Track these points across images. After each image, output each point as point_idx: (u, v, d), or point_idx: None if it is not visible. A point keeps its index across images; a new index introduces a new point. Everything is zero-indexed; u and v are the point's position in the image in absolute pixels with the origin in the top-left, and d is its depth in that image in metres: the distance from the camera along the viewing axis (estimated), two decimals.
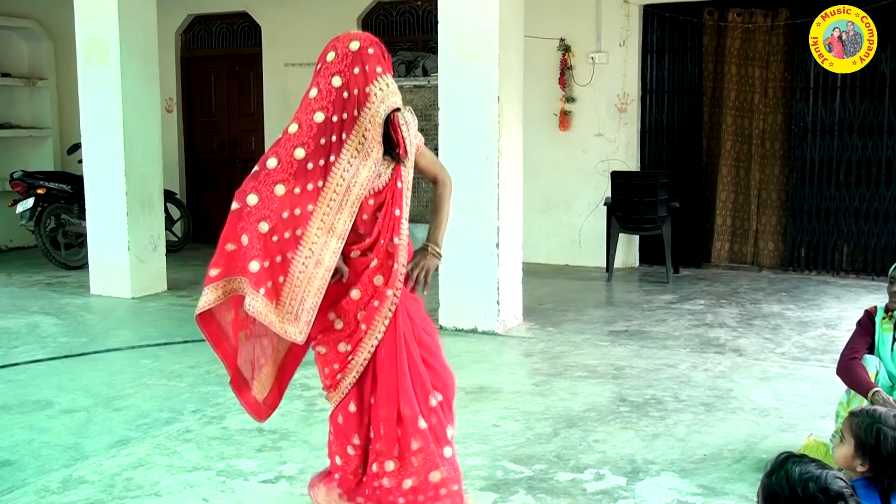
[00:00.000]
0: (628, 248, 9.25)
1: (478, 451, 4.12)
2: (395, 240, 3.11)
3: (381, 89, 2.98)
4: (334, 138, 2.97)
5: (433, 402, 3.13)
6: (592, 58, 9.12)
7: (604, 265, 8.76)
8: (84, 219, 8.30)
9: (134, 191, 7.79)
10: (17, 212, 9.07)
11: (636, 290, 8.15)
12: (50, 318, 7.04)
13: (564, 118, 9.27)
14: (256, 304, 2.94)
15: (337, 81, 2.96)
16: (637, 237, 9.13)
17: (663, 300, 7.60)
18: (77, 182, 8.79)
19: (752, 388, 5.11)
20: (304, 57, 10.50)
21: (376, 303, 3.08)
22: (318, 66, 3.01)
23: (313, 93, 2.99)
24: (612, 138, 9.15)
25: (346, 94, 2.97)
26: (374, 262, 3.09)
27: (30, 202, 8.96)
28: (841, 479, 2.08)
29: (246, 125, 11.16)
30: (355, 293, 3.08)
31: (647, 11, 9.05)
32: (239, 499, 3.64)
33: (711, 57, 8.94)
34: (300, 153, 2.97)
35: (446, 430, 3.16)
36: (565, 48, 9.20)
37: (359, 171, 2.99)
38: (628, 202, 8.34)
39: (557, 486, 3.72)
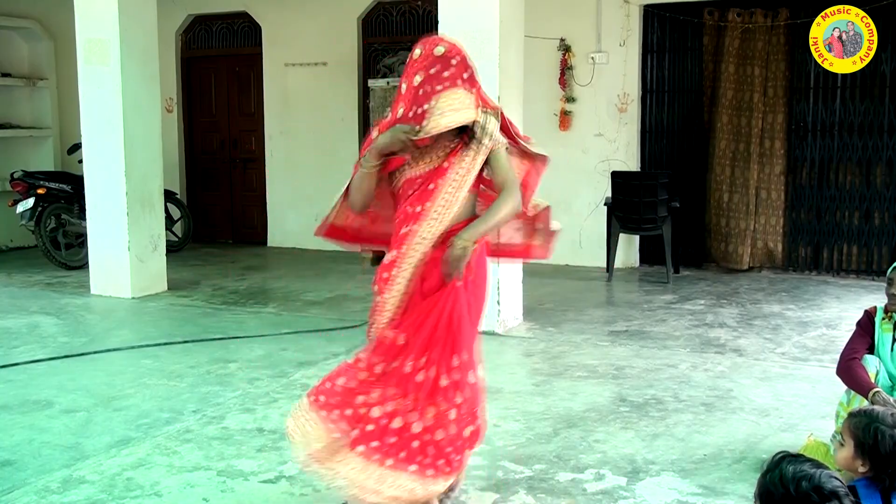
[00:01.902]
0: (628, 248, 9.25)
1: (478, 452, 4.11)
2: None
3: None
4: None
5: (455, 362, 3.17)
6: (592, 58, 9.12)
7: (604, 265, 8.76)
8: (84, 219, 8.30)
9: (134, 191, 7.79)
10: (17, 212, 9.07)
11: (636, 290, 8.15)
12: (50, 318, 7.04)
13: (565, 118, 9.28)
14: None
15: (417, 79, 3.19)
16: (637, 237, 9.13)
17: (663, 300, 7.60)
18: (77, 182, 8.79)
19: (753, 388, 5.11)
20: (304, 57, 10.51)
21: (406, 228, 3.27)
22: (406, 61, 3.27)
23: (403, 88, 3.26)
24: (612, 138, 9.15)
25: (421, 92, 3.19)
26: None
27: (30, 202, 8.96)
28: (836, 478, 2.09)
29: (246, 125, 11.16)
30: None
31: (648, 11, 9.06)
32: (239, 499, 3.64)
33: (711, 57, 8.94)
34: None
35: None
36: (565, 48, 9.20)
37: None
38: (628, 202, 8.34)
39: (558, 487, 3.72)
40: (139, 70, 7.80)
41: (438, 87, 3.15)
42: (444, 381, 3.13)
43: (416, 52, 3.20)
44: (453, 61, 3.18)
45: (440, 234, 3.20)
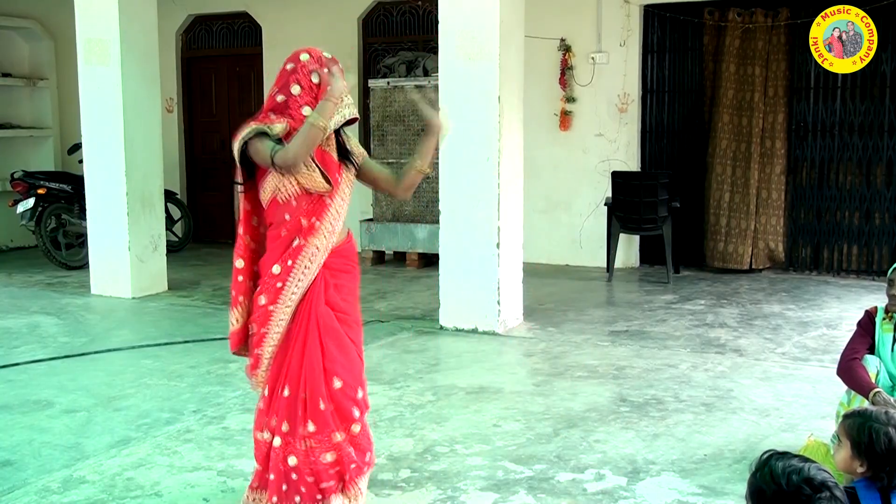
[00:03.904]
0: (629, 248, 9.25)
1: (478, 451, 4.12)
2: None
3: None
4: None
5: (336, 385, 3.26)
6: (593, 58, 9.12)
7: (604, 265, 8.76)
8: (84, 219, 8.30)
9: (134, 191, 7.79)
10: (17, 212, 9.07)
11: (636, 290, 8.15)
12: (50, 318, 7.04)
13: (565, 118, 9.28)
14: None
15: (315, 78, 3.26)
16: (637, 237, 9.13)
17: (664, 300, 7.60)
18: (77, 182, 8.80)
19: (753, 388, 5.11)
20: None
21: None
22: (292, 65, 3.27)
23: (296, 90, 3.24)
24: (612, 138, 9.15)
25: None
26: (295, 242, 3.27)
27: (30, 202, 8.96)
28: (825, 470, 2.09)
29: None
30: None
31: (648, 11, 9.06)
32: (239, 499, 3.63)
33: (712, 56, 8.94)
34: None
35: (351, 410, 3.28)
36: (566, 48, 9.20)
37: None
38: (629, 202, 8.34)
39: (558, 487, 3.72)
40: (139, 70, 7.80)
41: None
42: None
43: (304, 56, 3.28)
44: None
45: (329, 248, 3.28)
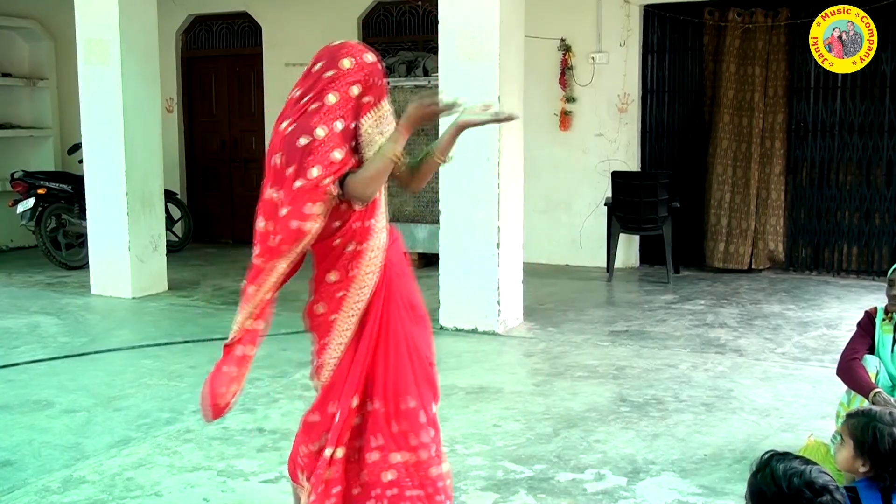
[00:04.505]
0: (629, 249, 9.25)
1: (478, 451, 4.12)
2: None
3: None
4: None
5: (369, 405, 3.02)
6: (593, 58, 9.12)
7: (604, 265, 8.76)
8: (84, 219, 8.30)
9: (134, 191, 7.79)
10: (17, 212, 9.07)
11: (637, 291, 8.15)
12: (50, 318, 7.04)
13: (565, 118, 9.27)
14: None
15: (357, 90, 2.87)
16: (637, 237, 9.13)
17: (664, 300, 7.60)
18: (77, 182, 8.80)
19: (753, 388, 5.11)
20: (304, 57, 10.41)
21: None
22: (332, 71, 2.86)
23: (332, 99, 2.83)
24: (612, 138, 9.15)
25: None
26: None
27: (30, 202, 8.96)
28: (826, 473, 2.09)
29: (246, 125, 11.16)
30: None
31: (648, 11, 9.05)
32: (239, 499, 3.64)
33: (712, 56, 8.94)
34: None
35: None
36: (566, 48, 9.20)
37: None
38: (629, 202, 8.34)
39: (558, 487, 3.72)
40: (139, 70, 7.80)
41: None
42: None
43: (347, 62, 2.87)
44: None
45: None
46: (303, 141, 2.77)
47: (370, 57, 2.91)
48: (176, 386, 5.23)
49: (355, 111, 2.86)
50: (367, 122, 2.90)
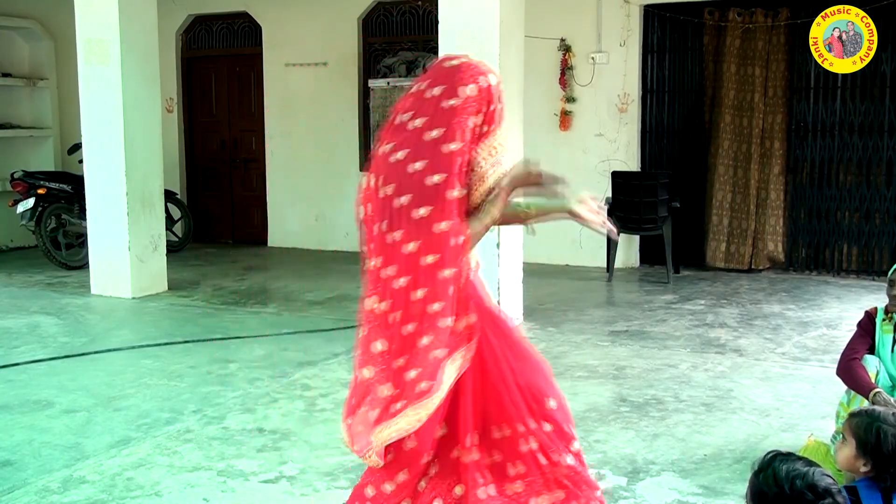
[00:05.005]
0: (629, 249, 9.25)
1: None
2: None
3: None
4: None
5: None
6: (593, 58, 9.12)
7: (604, 265, 8.76)
8: (84, 219, 8.30)
9: (134, 191, 7.78)
10: (17, 212, 9.06)
11: (636, 291, 8.15)
12: (50, 318, 7.03)
13: (565, 118, 9.27)
14: None
15: (478, 120, 2.68)
16: (637, 237, 9.13)
17: (664, 300, 7.60)
18: (77, 182, 8.79)
19: (753, 388, 5.11)
20: (304, 57, 10.50)
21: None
22: (453, 101, 2.63)
23: (457, 130, 2.61)
24: (612, 138, 9.15)
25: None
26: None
27: (30, 202, 8.96)
28: (828, 475, 2.09)
29: (246, 125, 11.15)
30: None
31: (648, 11, 9.05)
32: (239, 499, 3.64)
33: (712, 57, 8.94)
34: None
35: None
36: (566, 48, 9.20)
37: None
38: (629, 202, 8.34)
39: None
40: (139, 70, 7.79)
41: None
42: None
43: (472, 88, 2.65)
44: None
45: None
46: (436, 179, 2.56)
47: (492, 79, 2.69)
48: (176, 386, 5.22)
49: (474, 141, 2.68)
50: (481, 154, 2.71)
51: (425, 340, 2.59)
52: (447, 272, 2.57)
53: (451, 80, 2.66)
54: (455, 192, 2.58)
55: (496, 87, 2.70)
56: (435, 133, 2.60)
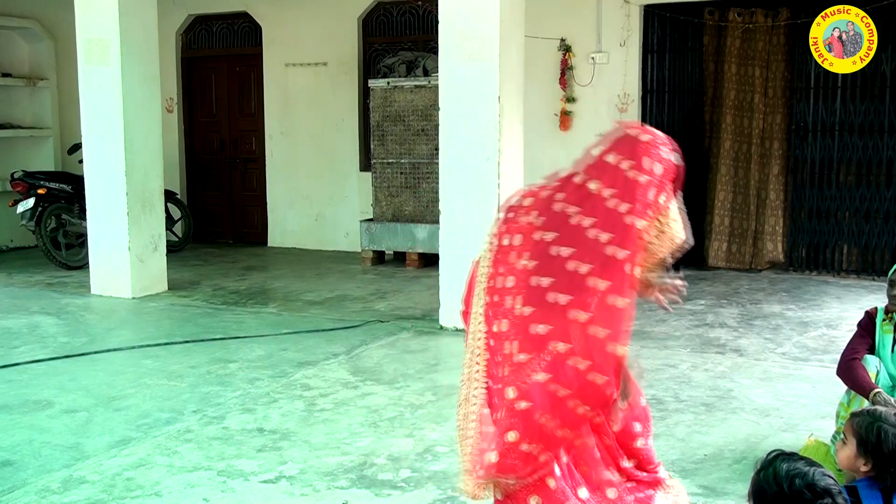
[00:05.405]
0: None
1: None
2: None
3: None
4: None
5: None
6: (593, 58, 9.12)
7: None
8: (84, 219, 8.30)
9: (134, 191, 7.78)
10: (17, 212, 9.07)
11: None
12: (50, 318, 7.03)
13: (565, 118, 9.27)
14: None
15: (659, 198, 2.67)
16: None
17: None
18: (78, 182, 8.80)
19: (753, 388, 5.11)
20: (304, 57, 10.51)
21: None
22: (643, 177, 2.57)
23: (640, 215, 2.59)
24: None
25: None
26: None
27: (30, 202, 8.96)
28: (829, 475, 2.09)
29: (246, 125, 11.16)
30: None
31: (648, 11, 9.05)
32: (239, 499, 3.64)
33: (712, 57, 8.94)
34: None
35: None
36: (566, 48, 9.20)
37: None
38: None
39: None
40: (139, 70, 7.79)
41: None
42: None
43: (658, 168, 2.59)
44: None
45: None
46: (620, 255, 2.50)
47: (677, 159, 2.65)
48: (176, 386, 5.22)
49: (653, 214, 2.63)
50: (652, 233, 2.68)
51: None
52: (616, 347, 2.50)
53: (635, 153, 2.59)
54: (620, 255, 2.50)
55: (679, 168, 2.67)
56: (612, 201, 2.54)
